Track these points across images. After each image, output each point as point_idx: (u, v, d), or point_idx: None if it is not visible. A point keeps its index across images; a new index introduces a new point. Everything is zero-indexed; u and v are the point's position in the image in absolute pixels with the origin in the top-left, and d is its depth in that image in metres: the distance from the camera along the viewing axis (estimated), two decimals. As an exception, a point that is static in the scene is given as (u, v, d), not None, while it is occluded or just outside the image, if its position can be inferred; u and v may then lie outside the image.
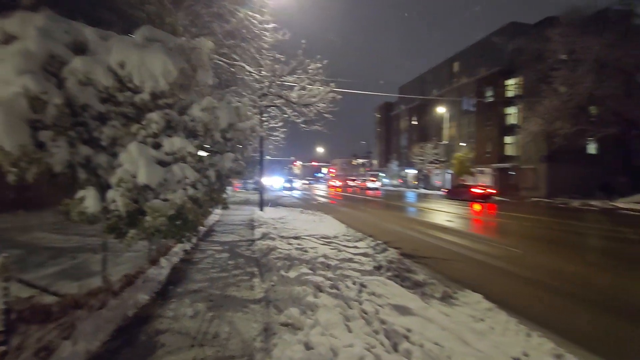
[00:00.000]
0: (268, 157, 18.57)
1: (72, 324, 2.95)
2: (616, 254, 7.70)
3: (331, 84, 8.96)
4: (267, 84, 8.93)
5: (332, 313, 3.65)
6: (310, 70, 8.69)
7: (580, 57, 18.72)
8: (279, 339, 3.21)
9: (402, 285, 4.96)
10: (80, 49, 3.03)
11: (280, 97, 8.95)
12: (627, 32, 18.04)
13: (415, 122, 49.85)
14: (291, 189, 44.53)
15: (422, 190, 40.17)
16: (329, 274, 5.12)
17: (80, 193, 2.81)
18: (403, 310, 3.84)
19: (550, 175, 28.28)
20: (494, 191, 25.61)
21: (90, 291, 3.48)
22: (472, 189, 24.08)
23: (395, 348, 3.03)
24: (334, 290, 4.41)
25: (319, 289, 4.41)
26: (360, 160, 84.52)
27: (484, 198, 23.61)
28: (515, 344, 3.26)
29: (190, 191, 2.84)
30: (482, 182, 34.34)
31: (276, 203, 20.36)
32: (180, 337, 3.31)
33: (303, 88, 8.78)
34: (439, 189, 39.51)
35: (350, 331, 3.30)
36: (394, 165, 52.86)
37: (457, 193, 25.45)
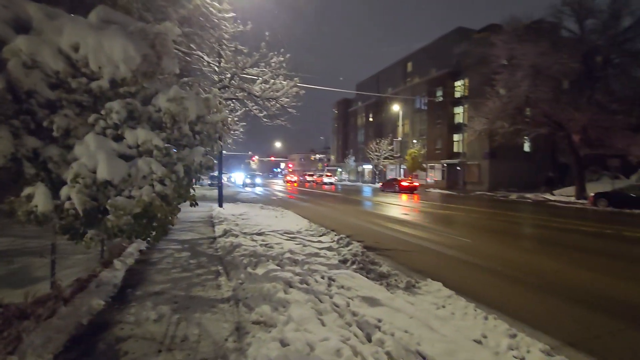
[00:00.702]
0: (225, 152, 17.98)
1: (17, 337, 2.63)
2: (552, 241, 8.61)
3: (295, 79, 8.86)
4: (229, 76, 8.58)
5: (304, 308, 3.66)
6: (272, 64, 8.50)
7: (519, 63, 20.48)
8: (252, 338, 3.15)
9: (368, 278, 5.12)
10: (22, 26, 2.67)
11: (243, 90, 8.65)
12: (557, 43, 20.09)
13: (372, 119, 51.31)
14: (254, 185, 38.89)
15: (378, 185, 41.54)
16: (297, 269, 5.11)
17: (28, 190, 2.47)
18: (372, 302, 3.96)
19: (491, 171, 30.82)
20: (418, 184, 30.46)
21: (37, 299, 3.12)
22: (401, 183, 28.86)
23: (369, 338, 3.12)
24: (304, 285, 4.42)
25: (288, 284, 4.39)
26: (318, 156, 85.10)
27: (410, 190, 28.27)
28: (475, 327, 3.53)
29: (158, 187, 2.62)
30: (433, 176, 36.65)
31: (235, 199, 19.84)
32: (145, 343, 3.11)
33: (266, 81, 8.57)
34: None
35: (324, 325, 3.34)
36: (351, 161, 54.01)
37: (390, 186, 29.89)
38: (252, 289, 4.33)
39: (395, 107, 40.39)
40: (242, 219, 10.68)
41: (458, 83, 34.84)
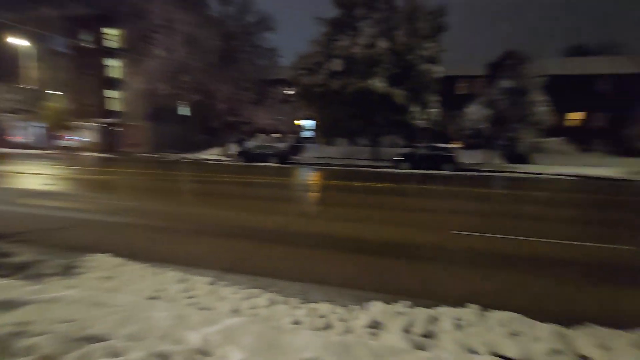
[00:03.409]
0: None
1: None
2: (206, 192, 10.08)
3: None
4: None
5: None
6: None
7: (176, 28, 21.12)
8: None
9: (-5, 276, 3.65)
10: None
11: None
12: (209, 19, 22.55)
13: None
14: None
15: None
16: None
17: None
18: (5, 307, 2.91)
19: (153, 132, 30.75)
20: None
21: None
22: None
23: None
24: None
25: None
26: None
27: None
28: (151, 286, 3.54)
29: None
30: (88, 137, 31.33)
31: None
32: None
33: None
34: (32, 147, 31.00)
35: None
36: None
37: None
38: None
39: (19, 41, 29.29)
40: None
41: (111, 31, 30.57)
